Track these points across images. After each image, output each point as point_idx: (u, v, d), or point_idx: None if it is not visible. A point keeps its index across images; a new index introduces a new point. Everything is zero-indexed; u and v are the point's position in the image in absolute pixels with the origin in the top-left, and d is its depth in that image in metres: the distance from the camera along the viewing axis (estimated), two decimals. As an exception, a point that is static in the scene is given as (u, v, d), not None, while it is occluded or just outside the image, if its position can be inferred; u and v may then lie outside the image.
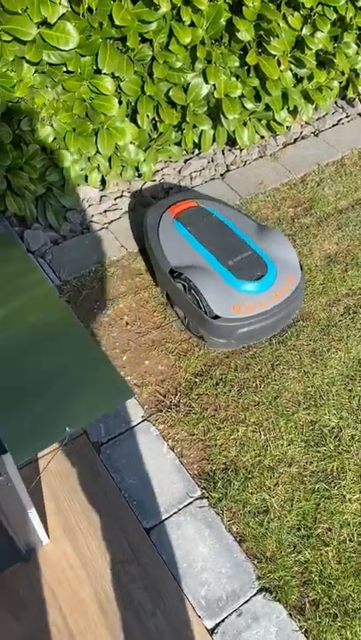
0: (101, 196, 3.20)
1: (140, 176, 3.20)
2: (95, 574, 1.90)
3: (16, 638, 1.77)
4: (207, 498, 2.09)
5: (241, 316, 2.36)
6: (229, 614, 1.85)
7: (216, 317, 2.34)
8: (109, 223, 3.08)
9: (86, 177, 2.97)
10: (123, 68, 2.48)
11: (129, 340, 2.56)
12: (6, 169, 2.54)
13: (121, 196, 3.22)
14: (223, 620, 1.84)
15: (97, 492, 2.08)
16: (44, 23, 2.19)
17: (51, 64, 2.36)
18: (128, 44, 2.42)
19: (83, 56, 2.42)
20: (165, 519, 2.04)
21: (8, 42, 2.15)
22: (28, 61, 2.28)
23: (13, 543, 1.80)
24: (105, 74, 2.47)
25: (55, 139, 2.62)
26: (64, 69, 2.44)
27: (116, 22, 2.30)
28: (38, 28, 2.14)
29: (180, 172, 3.37)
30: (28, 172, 2.56)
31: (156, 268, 2.62)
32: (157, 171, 3.32)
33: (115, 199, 3.20)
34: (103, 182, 3.15)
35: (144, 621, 1.82)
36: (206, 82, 2.85)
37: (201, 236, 2.54)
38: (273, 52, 2.78)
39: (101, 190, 3.20)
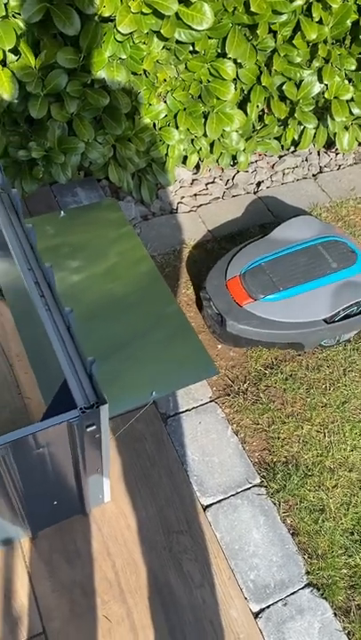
0: (193, 179, 3.24)
1: (234, 165, 3.23)
2: (150, 539, 1.96)
3: (70, 585, 1.84)
4: (265, 487, 2.12)
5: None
6: (275, 602, 1.88)
7: None
8: (198, 207, 3.12)
9: (185, 158, 3.01)
10: (246, 55, 2.50)
11: (205, 323, 2.60)
12: (115, 138, 2.61)
13: (213, 182, 3.25)
14: (269, 607, 1.87)
15: (160, 461, 2.13)
16: (183, 1, 2.23)
17: (179, 42, 2.40)
18: (258, 32, 2.45)
19: (210, 38, 2.46)
20: (223, 499, 2.08)
21: (146, 14, 2.20)
22: (159, 36, 2.32)
23: (80, 495, 1.87)
24: (229, 58, 2.50)
25: (166, 115, 2.67)
26: (190, 49, 2.48)
27: (252, 9, 2.32)
28: (178, 4, 2.19)
29: (273, 166, 3.38)
30: (136, 145, 2.62)
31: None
32: (251, 162, 3.34)
33: (206, 184, 3.24)
34: (197, 166, 3.19)
35: (192, 591, 1.87)
36: (320, 81, 2.84)
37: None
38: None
39: (194, 174, 3.24)
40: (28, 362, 1.95)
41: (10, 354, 2.34)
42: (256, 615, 1.85)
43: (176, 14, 2.23)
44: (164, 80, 2.52)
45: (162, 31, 2.26)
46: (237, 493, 2.10)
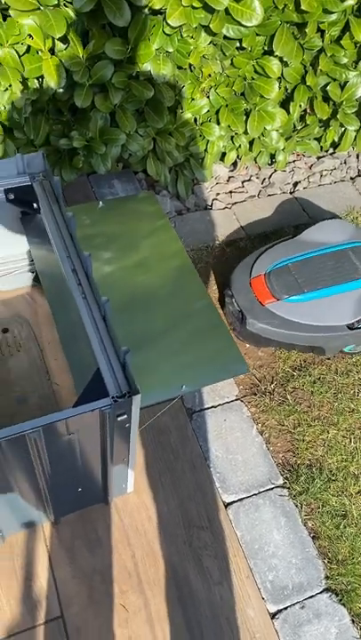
0: (230, 176, 3.23)
1: (272, 164, 3.21)
2: (170, 532, 1.96)
3: (89, 572, 1.86)
4: (288, 488, 2.11)
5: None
6: (293, 604, 1.87)
7: None
8: (233, 204, 3.11)
9: (223, 155, 3.00)
10: (293, 53, 2.48)
11: (226, 320, 2.59)
12: (156, 131, 2.61)
13: (249, 180, 3.23)
14: (286, 608, 1.86)
15: (184, 455, 2.14)
16: (235, -4, 2.23)
17: (227, 37, 2.39)
18: (306, 30, 2.43)
19: (258, 35, 2.44)
20: (245, 498, 2.07)
21: (197, 8, 2.19)
22: (207, 31, 2.32)
23: (104, 484, 1.88)
24: (275, 56, 2.49)
25: (208, 111, 2.66)
26: (237, 45, 2.47)
27: (302, 7, 2.30)
28: (229, 0, 2.18)
29: (311, 167, 3.35)
30: (176, 139, 2.62)
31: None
32: (289, 162, 3.32)
33: (242, 182, 3.22)
34: (234, 163, 3.18)
35: (210, 587, 1.87)
36: (366, 83, 2.81)
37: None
38: None
39: (231, 171, 3.23)
40: (62, 348, 1.97)
41: (41, 339, 2.37)
42: (273, 616, 1.84)
43: (226, 9, 2.22)
44: (209, 75, 2.52)
45: (211, 26, 2.25)
46: (260, 493, 2.09)
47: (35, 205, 2.05)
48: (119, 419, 1.52)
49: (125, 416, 1.53)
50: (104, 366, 1.61)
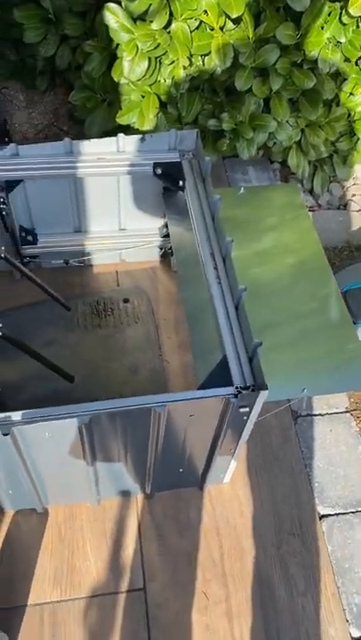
0: (369, 179, 3.09)
1: None
2: (260, 531, 1.93)
3: (176, 552, 1.87)
4: (388, 514, 2.01)
5: None
6: (378, 634, 1.78)
7: None
8: (369, 208, 2.98)
9: (369, 155, 2.87)
10: None
11: (357, 330, 2.48)
12: (307, 123, 2.53)
13: (390, 186, 3.08)
14: (370, 636, 1.78)
15: (284, 457, 2.09)
16: None
17: None
18: None
19: None
20: (341, 514, 2.00)
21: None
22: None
23: (205, 469, 1.87)
24: None
25: (364, 108, 2.54)
26: None
27: None
28: None
29: None
30: (326, 133, 2.53)
31: None
32: None
33: (382, 187, 3.07)
34: (377, 166, 3.03)
35: (293, 596, 1.82)
36: None
37: None
38: None
39: (372, 173, 3.09)
40: (188, 326, 1.97)
41: (158, 315, 2.39)
42: (355, 641, 1.77)
43: None
44: (373, 71, 2.40)
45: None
46: (357, 512, 2.01)
47: (180, 183, 2.04)
48: (241, 410, 1.50)
49: (247, 409, 1.50)
50: (231, 354, 1.59)
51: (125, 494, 1.95)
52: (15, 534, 1.85)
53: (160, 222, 2.34)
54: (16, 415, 1.41)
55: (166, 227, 2.31)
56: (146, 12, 2.03)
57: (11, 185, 1.98)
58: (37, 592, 1.77)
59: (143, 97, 2.36)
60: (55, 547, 1.84)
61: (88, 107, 2.51)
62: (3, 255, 1.83)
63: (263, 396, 1.48)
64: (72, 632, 1.72)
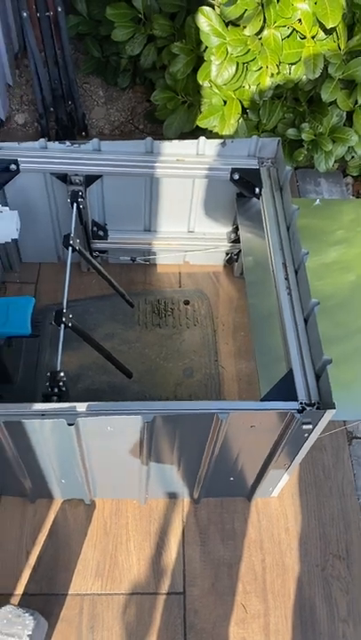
0: None
1: None
2: (305, 550, 1.89)
3: (218, 560, 1.85)
4: None
5: None
6: None
7: None
8: None
9: None
10: None
11: None
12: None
13: None
14: None
15: (335, 477, 2.04)
16: None
17: None
18: None
19: None
20: (390, 543, 1.94)
21: None
22: None
23: (256, 481, 1.84)
24: None
25: None
26: None
27: None
28: None
29: None
30: None
31: None
32: None
33: None
34: None
35: (334, 621, 1.78)
36: None
37: None
38: None
39: None
40: (251, 334, 1.95)
41: (217, 320, 2.38)
42: None
43: None
44: None
45: None
46: None
47: (256, 190, 2.03)
48: (304, 427, 1.47)
49: (310, 426, 1.47)
50: (297, 368, 1.57)
51: (172, 496, 1.94)
52: (62, 522, 1.88)
53: (228, 228, 2.33)
54: (81, 406, 1.42)
55: (235, 232, 2.30)
56: (240, 17, 2.02)
57: (90, 180, 2.01)
58: (79, 582, 1.78)
59: (225, 102, 2.35)
60: (100, 539, 1.85)
61: (169, 107, 2.53)
62: (78, 248, 1.85)
63: (330, 415, 1.45)
64: (110, 626, 1.72)
